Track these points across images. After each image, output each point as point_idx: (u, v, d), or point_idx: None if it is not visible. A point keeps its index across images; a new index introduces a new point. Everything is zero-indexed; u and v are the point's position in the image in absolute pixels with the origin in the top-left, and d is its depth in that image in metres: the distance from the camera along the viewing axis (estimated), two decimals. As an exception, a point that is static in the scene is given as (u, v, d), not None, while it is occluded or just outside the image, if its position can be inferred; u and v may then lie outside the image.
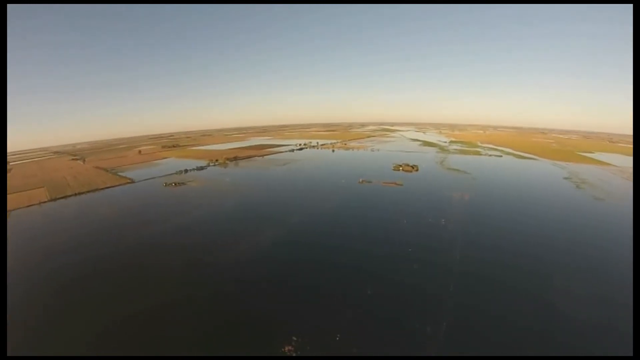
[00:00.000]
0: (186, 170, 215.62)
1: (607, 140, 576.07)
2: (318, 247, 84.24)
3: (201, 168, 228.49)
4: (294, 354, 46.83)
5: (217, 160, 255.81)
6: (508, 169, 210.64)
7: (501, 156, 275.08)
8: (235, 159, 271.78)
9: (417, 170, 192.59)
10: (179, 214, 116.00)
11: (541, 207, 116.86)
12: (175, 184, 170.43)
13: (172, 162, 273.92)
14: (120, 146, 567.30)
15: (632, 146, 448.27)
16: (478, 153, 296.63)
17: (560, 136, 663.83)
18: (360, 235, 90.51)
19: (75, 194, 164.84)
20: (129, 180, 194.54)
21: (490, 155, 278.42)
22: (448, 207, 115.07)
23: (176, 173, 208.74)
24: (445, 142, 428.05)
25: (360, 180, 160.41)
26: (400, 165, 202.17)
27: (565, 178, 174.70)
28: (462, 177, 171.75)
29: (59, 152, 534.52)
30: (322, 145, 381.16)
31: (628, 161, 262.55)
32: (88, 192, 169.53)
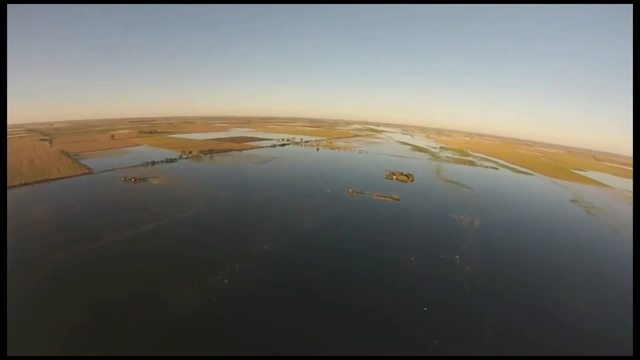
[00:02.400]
0: (153, 163, 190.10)
1: (592, 157, 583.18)
2: (294, 303, 59.38)
3: (171, 160, 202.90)
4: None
5: (190, 153, 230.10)
6: (510, 186, 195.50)
7: (497, 169, 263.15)
8: (211, 152, 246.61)
9: (412, 180, 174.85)
10: (124, 225, 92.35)
11: (564, 242, 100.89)
12: (135, 180, 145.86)
13: (143, 151, 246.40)
14: (97, 128, 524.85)
15: (617, 165, 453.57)
16: (472, 163, 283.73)
17: (546, 150, 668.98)
18: (355, 281, 67.42)
19: (21, 184, 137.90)
20: (87, 171, 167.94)
21: (485, 167, 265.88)
22: (459, 236, 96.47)
23: (142, 165, 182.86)
24: (436, 147, 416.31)
25: (350, 191, 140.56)
26: (394, 174, 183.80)
27: (572, 201, 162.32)
28: (464, 193, 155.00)
29: (32, 130, 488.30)
30: (306, 142, 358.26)
31: (622, 183, 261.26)
32: (36, 182, 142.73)
